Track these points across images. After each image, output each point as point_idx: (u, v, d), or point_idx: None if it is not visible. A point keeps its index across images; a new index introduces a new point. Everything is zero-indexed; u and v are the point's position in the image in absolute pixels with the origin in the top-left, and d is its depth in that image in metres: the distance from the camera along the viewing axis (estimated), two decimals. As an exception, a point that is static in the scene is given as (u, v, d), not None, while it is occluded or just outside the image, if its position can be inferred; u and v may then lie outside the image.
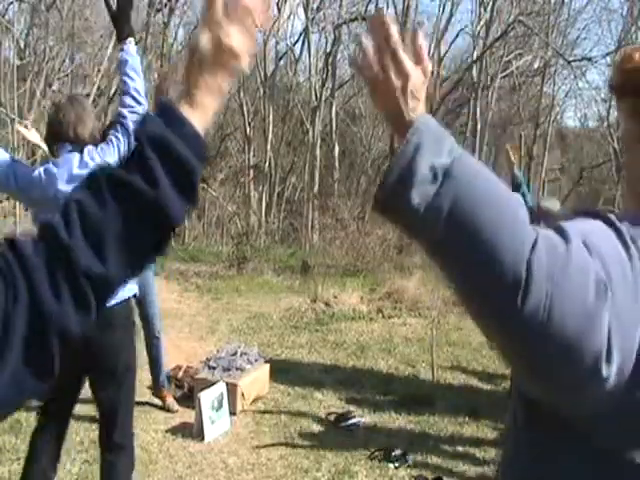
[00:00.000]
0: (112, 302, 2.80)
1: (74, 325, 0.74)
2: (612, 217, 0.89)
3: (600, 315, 0.80)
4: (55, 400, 2.79)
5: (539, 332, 0.79)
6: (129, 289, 2.77)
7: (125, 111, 2.74)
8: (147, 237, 0.77)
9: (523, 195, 4.17)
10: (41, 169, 2.67)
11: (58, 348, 0.73)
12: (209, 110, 0.84)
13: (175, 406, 4.75)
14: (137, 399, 4.77)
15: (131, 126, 2.74)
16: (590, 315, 0.80)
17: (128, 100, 2.74)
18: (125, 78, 2.77)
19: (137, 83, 2.77)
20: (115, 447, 2.83)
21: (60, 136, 2.70)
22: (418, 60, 0.91)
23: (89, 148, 2.72)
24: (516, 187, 4.32)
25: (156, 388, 4.79)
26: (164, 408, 4.70)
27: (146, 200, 0.76)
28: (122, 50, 2.82)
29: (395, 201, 0.82)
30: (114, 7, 2.88)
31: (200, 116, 0.83)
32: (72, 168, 2.64)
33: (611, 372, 0.81)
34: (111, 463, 2.82)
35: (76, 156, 2.68)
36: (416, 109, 0.88)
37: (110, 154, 2.70)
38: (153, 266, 4.82)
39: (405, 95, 0.87)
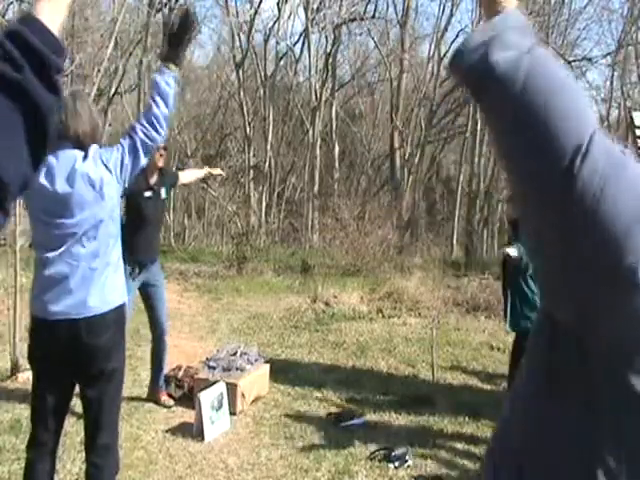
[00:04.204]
0: (104, 309, 2.74)
1: None
2: None
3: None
4: (44, 425, 2.72)
5: (588, 208, 0.80)
6: (120, 296, 2.72)
7: (139, 129, 2.67)
8: (20, 126, 0.83)
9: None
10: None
11: None
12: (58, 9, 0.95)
13: (170, 401, 4.79)
14: (137, 399, 4.81)
15: (140, 146, 2.68)
16: (632, 225, 0.80)
17: (146, 122, 2.67)
18: (152, 101, 2.69)
19: (162, 111, 2.68)
20: (101, 448, 2.75)
21: (59, 132, 2.63)
22: None
23: (94, 147, 2.70)
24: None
25: (153, 388, 4.81)
26: (161, 404, 4.76)
27: (15, 85, 0.83)
28: (161, 73, 2.71)
29: (475, 57, 0.90)
30: (173, 25, 2.71)
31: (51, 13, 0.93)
32: (75, 164, 2.62)
33: None
34: (96, 465, 2.75)
35: (79, 153, 2.64)
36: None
37: (113, 157, 2.66)
38: (160, 268, 4.84)
39: None
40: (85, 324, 2.61)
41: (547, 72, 0.88)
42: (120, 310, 2.75)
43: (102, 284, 2.65)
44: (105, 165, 2.64)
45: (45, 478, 2.77)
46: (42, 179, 2.58)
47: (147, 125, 2.67)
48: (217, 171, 5.38)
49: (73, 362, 2.66)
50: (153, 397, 4.80)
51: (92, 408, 2.75)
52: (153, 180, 4.53)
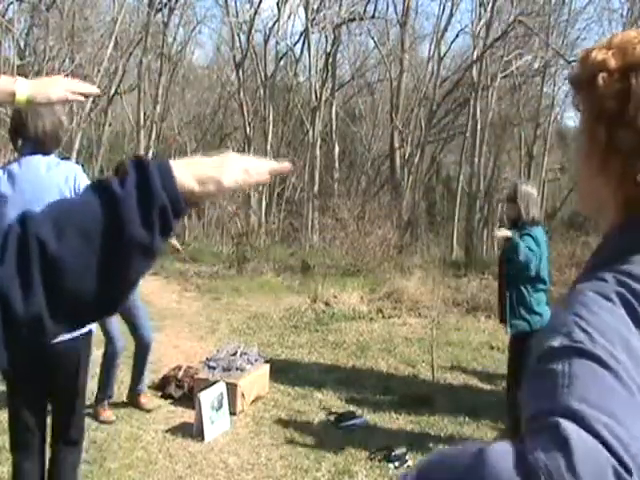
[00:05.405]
0: (68, 336, 2.67)
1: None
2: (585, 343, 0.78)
3: None
4: (24, 427, 2.78)
5: None
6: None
7: None
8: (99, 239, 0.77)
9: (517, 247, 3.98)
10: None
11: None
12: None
13: (149, 404, 4.69)
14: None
15: None
16: None
17: None
18: None
19: None
20: (70, 443, 2.85)
21: (21, 132, 2.66)
22: None
23: (76, 166, 2.70)
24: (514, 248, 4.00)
25: (133, 392, 4.69)
26: (143, 408, 4.64)
27: (110, 194, 0.77)
28: None
29: None
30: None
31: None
32: (39, 172, 2.60)
33: None
34: (63, 457, 2.84)
35: (43, 160, 2.63)
36: None
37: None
38: None
39: None
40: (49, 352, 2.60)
41: None
42: (86, 339, 2.78)
43: None
44: (75, 188, 2.62)
45: (34, 478, 2.80)
46: (4, 187, 2.58)
47: None
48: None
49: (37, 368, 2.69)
50: (133, 400, 4.68)
51: (59, 406, 2.81)
52: None
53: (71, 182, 2.62)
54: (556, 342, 0.79)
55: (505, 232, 4.03)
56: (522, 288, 4.06)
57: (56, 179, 2.60)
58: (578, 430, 0.70)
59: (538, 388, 0.79)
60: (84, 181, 2.66)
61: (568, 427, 0.70)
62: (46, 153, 2.66)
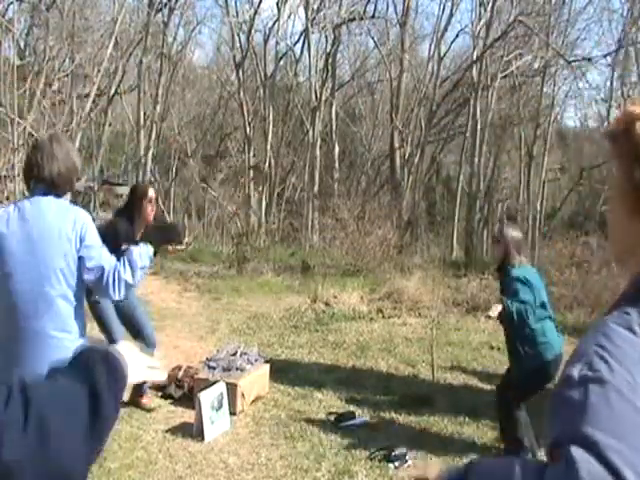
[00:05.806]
0: None
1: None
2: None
3: None
4: None
5: None
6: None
7: (111, 271, 2.66)
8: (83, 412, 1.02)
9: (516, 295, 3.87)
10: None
11: None
12: None
13: (150, 404, 4.72)
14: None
15: (100, 278, 2.64)
16: None
17: (112, 275, 2.66)
18: (122, 265, 2.70)
19: (126, 277, 2.68)
20: None
21: (36, 173, 2.67)
22: None
23: (85, 215, 2.71)
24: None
25: (136, 394, 4.70)
26: (143, 408, 4.67)
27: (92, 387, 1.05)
28: (142, 248, 2.83)
29: None
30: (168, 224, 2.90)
31: None
32: (47, 213, 2.62)
33: None
34: None
35: (52, 202, 2.65)
36: None
37: (104, 261, 2.66)
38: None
39: None
40: None
41: None
42: None
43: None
44: (81, 237, 2.62)
45: None
46: (13, 224, 2.58)
47: (111, 278, 2.66)
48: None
49: None
50: (133, 400, 4.70)
51: None
52: (139, 235, 4.26)
53: (78, 228, 2.63)
54: (576, 370, 0.87)
55: (496, 310, 3.85)
56: (526, 329, 3.92)
57: (64, 224, 2.61)
58: (588, 457, 0.74)
59: (558, 415, 0.86)
60: (91, 228, 2.68)
61: (577, 454, 0.74)
62: (58, 195, 2.68)
